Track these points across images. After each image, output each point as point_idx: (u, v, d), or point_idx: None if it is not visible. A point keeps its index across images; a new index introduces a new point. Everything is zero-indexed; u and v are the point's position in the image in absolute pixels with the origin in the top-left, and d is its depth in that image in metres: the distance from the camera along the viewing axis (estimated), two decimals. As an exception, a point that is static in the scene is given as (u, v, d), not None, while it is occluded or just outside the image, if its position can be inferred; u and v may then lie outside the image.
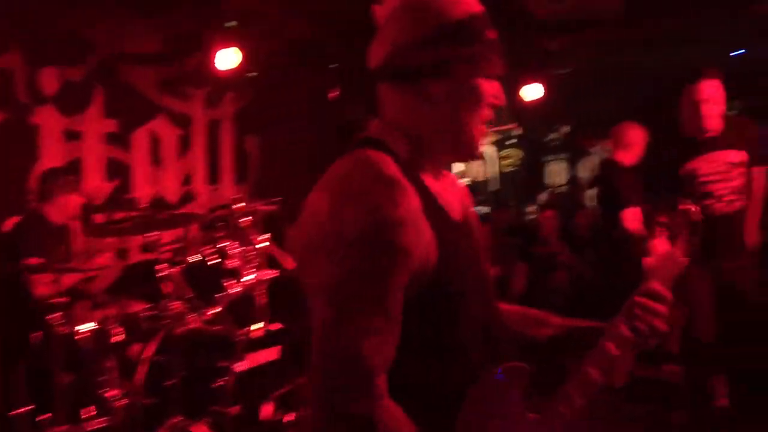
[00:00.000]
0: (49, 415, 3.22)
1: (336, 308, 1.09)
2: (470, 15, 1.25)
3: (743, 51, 7.00)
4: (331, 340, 1.08)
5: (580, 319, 1.46)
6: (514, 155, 10.90)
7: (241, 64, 5.11)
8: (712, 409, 3.76)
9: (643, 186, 4.27)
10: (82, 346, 3.30)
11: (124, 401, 3.26)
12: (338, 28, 5.38)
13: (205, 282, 3.76)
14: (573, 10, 5.90)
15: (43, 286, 3.51)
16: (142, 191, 5.39)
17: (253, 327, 3.48)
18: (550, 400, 1.29)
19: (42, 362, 3.30)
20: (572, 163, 10.36)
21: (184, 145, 5.90)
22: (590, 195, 7.87)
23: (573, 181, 10.19)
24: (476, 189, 10.24)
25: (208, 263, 3.75)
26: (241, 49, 5.05)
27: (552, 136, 10.57)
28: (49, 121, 4.86)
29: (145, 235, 3.70)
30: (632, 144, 4.65)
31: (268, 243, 3.81)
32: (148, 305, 3.61)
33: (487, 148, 10.74)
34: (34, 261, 3.53)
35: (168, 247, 3.75)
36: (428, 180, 1.27)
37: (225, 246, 3.72)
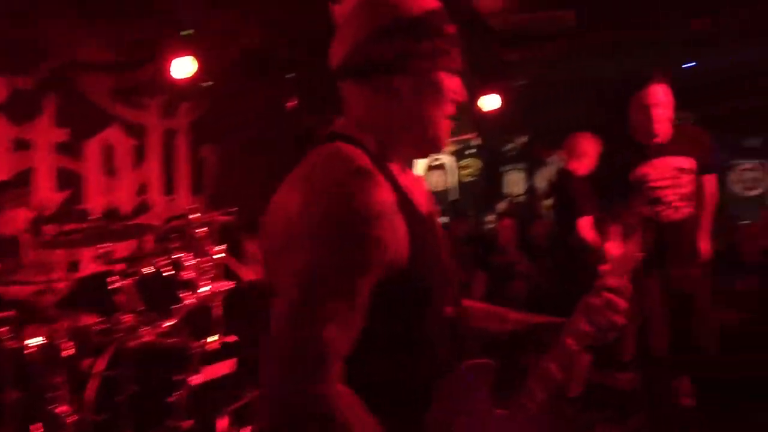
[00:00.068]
0: (-4, 433, 3.13)
1: (303, 291, 1.07)
2: (427, 10, 1.26)
3: (694, 63, 7.21)
4: (292, 321, 1.07)
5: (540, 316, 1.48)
6: (473, 165, 11.02)
7: (196, 73, 5.06)
8: (673, 409, 3.76)
9: (597, 194, 4.33)
10: (31, 361, 3.21)
11: (74, 417, 3.17)
12: (294, 37, 5.37)
13: (159, 294, 3.69)
14: (529, 23, 6.03)
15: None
16: (95, 202, 5.29)
17: (209, 339, 3.43)
18: (514, 396, 1.30)
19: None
20: (530, 173, 10.52)
21: (139, 155, 5.80)
22: (547, 204, 7.99)
23: (531, 190, 10.34)
24: (436, 198, 10.28)
25: (163, 275, 3.69)
26: (196, 57, 5.00)
27: (510, 146, 10.72)
28: (-3, 130, 4.75)
29: (97, 246, 3.62)
30: (585, 154, 4.76)
31: (224, 254, 3.76)
32: (100, 318, 3.53)
33: (446, 158, 10.83)
34: (-19, 274, 3.44)
35: (121, 259, 3.68)
36: (397, 173, 1.27)
37: (180, 257, 3.66)
